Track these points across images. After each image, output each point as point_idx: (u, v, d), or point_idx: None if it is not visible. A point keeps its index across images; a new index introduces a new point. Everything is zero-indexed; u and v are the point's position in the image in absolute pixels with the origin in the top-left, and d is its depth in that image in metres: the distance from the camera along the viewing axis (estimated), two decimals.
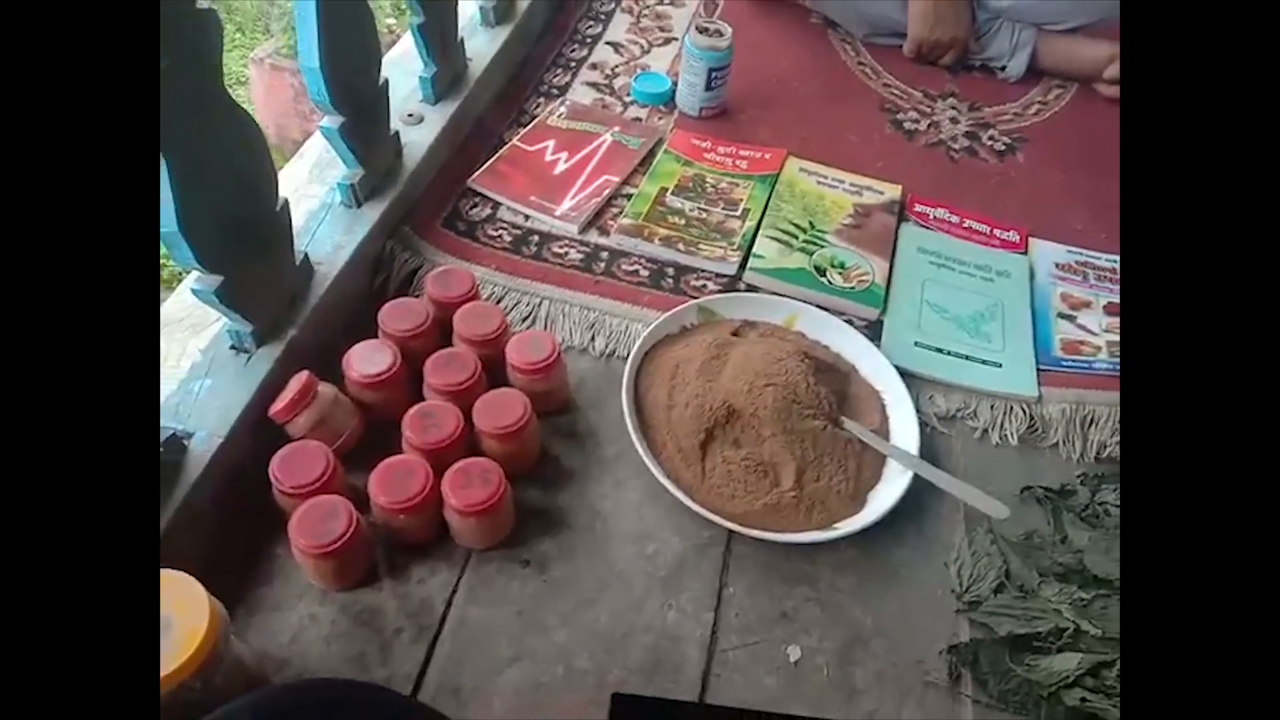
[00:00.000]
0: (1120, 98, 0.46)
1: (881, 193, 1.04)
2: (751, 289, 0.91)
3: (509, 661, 0.63)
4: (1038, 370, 0.86)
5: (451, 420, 0.69)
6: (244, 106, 0.63)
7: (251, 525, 0.68)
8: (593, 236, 0.95)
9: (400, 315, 0.77)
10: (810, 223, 0.98)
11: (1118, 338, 0.90)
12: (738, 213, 0.99)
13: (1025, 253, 1.00)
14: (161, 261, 1.50)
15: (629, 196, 0.99)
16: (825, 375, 0.79)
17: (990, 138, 1.18)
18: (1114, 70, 1.23)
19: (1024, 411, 0.82)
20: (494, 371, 0.76)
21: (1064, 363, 0.87)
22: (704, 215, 0.98)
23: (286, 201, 0.72)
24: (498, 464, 0.67)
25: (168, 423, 0.65)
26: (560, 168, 1.02)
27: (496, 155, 1.02)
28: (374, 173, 0.87)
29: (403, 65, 1.02)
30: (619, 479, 0.74)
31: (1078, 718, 0.61)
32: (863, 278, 0.92)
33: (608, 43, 1.26)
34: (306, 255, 0.78)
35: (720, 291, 0.90)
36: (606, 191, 0.99)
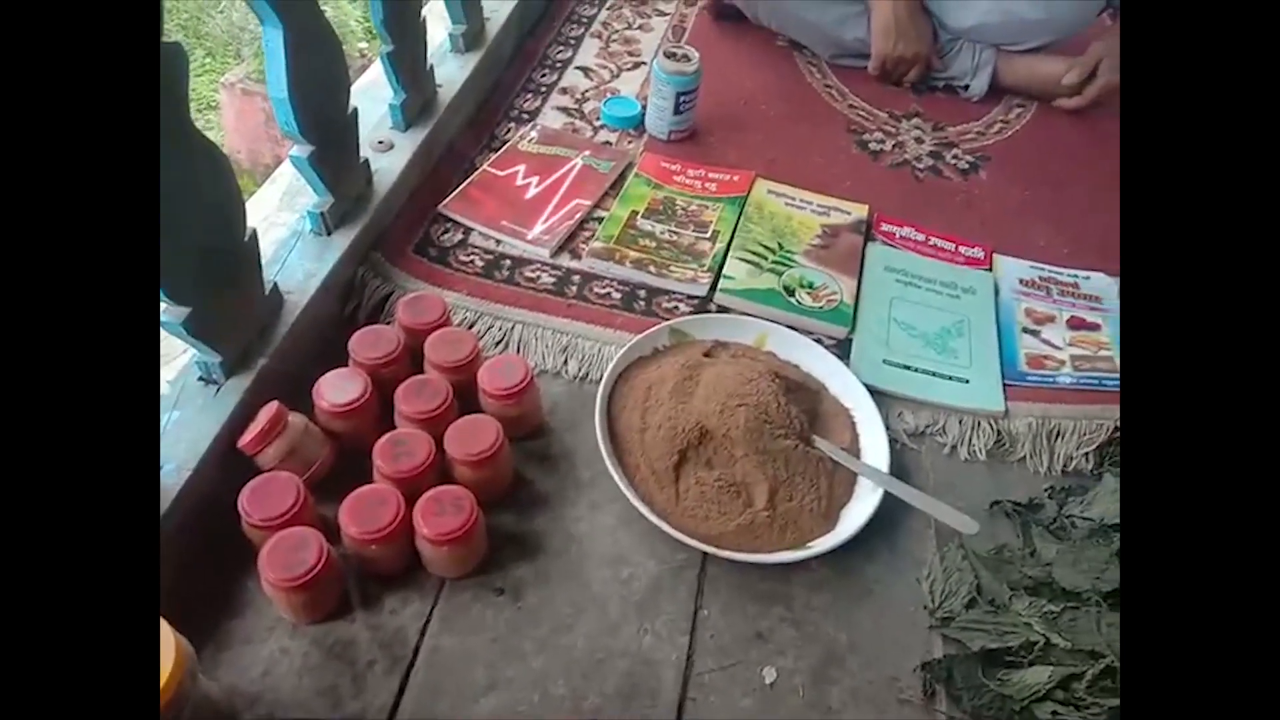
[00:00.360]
0: (1121, 115, 0.48)
1: (848, 213, 1.06)
2: (722, 310, 0.92)
3: (484, 690, 0.63)
4: (1004, 385, 0.87)
5: (423, 448, 0.69)
6: (213, 134, 0.63)
7: (221, 558, 0.67)
8: (565, 260, 0.95)
9: (371, 343, 0.77)
10: (779, 244, 0.99)
11: (1081, 351, 0.91)
12: (708, 235, 1.00)
13: (990, 269, 1.02)
14: None
15: (600, 220, 1.00)
16: (796, 394, 0.80)
17: (954, 156, 1.20)
18: (1071, 76, 1.26)
19: (991, 426, 0.83)
20: (466, 397, 0.76)
21: (1029, 377, 0.88)
22: (675, 238, 0.99)
23: (255, 232, 0.72)
24: (470, 491, 0.67)
25: None
26: (531, 192, 1.02)
27: (468, 180, 1.03)
28: (344, 200, 0.87)
29: (372, 93, 1.02)
30: (593, 502, 0.74)
31: None
32: (831, 297, 0.93)
33: (577, 67, 1.28)
34: (276, 284, 0.77)
35: (692, 313, 0.91)
36: (578, 215, 1.00)
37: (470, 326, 0.87)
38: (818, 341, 0.88)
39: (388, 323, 0.84)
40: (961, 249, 1.03)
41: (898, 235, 1.04)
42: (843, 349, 0.89)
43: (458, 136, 1.10)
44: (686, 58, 1.10)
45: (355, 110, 0.86)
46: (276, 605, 0.64)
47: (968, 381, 0.87)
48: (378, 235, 0.92)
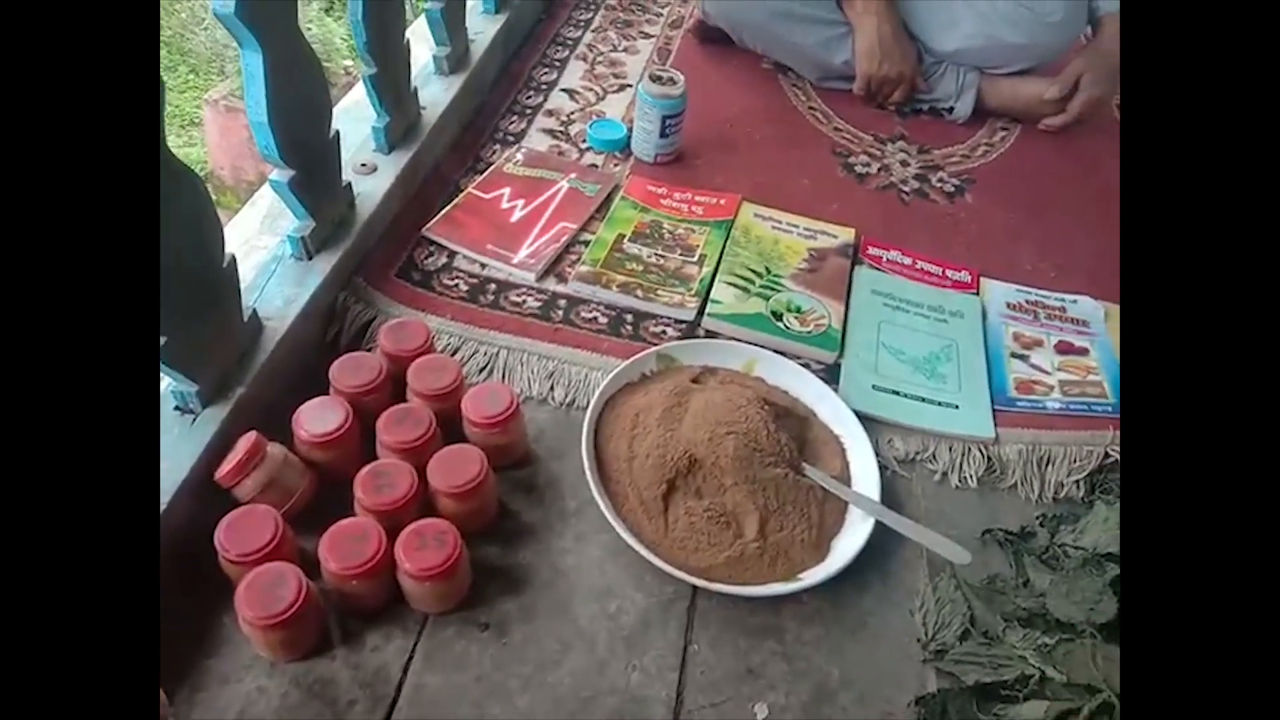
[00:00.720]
0: (1121, 136, 0.48)
1: (835, 236, 1.05)
2: (710, 335, 0.91)
3: None
4: (993, 411, 0.87)
5: (405, 480, 0.67)
6: (196, 150, 0.62)
7: (196, 594, 0.65)
8: (550, 284, 0.94)
9: (352, 370, 0.75)
10: (766, 268, 0.99)
11: (1070, 377, 0.91)
12: (695, 258, 0.99)
13: (977, 293, 1.02)
14: None
15: (586, 243, 0.99)
16: (785, 421, 0.79)
17: (939, 179, 1.20)
18: (1053, 91, 1.27)
19: (982, 453, 0.83)
20: (450, 426, 0.75)
21: (1019, 403, 0.88)
22: (661, 261, 0.98)
23: (234, 258, 0.70)
24: (454, 524, 0.65)
25: None
26: (517, 215, 1.01)
27: (452, 203, 1.01)
28: (325, 224, 0.86)
29: (355, 113, 1.01)
30: (580, 533, 0.73)
31: None
32: (819, 321, 0.93)
33: (563, 89, 1.27)
34: (255, 311, 0.76)
35: (679, 337, 0.90)
36: (564, 238, 0.99)
37: (454, 352, 0.86)
38: (805, 366, 0.87)
39: (369, 349, 0.83)
40: (948, 272, 1.03)
41: (885, 259, 1.04)
42: (831, 374, 0.88)
43: (442, 159, 1.09)
44: (672, 81, 1.10)
45: (337, 133, 0.85)
46: (254, 643, 0.62)
47: (957, 407, 0.86)
48: (360, 259, 0.91)
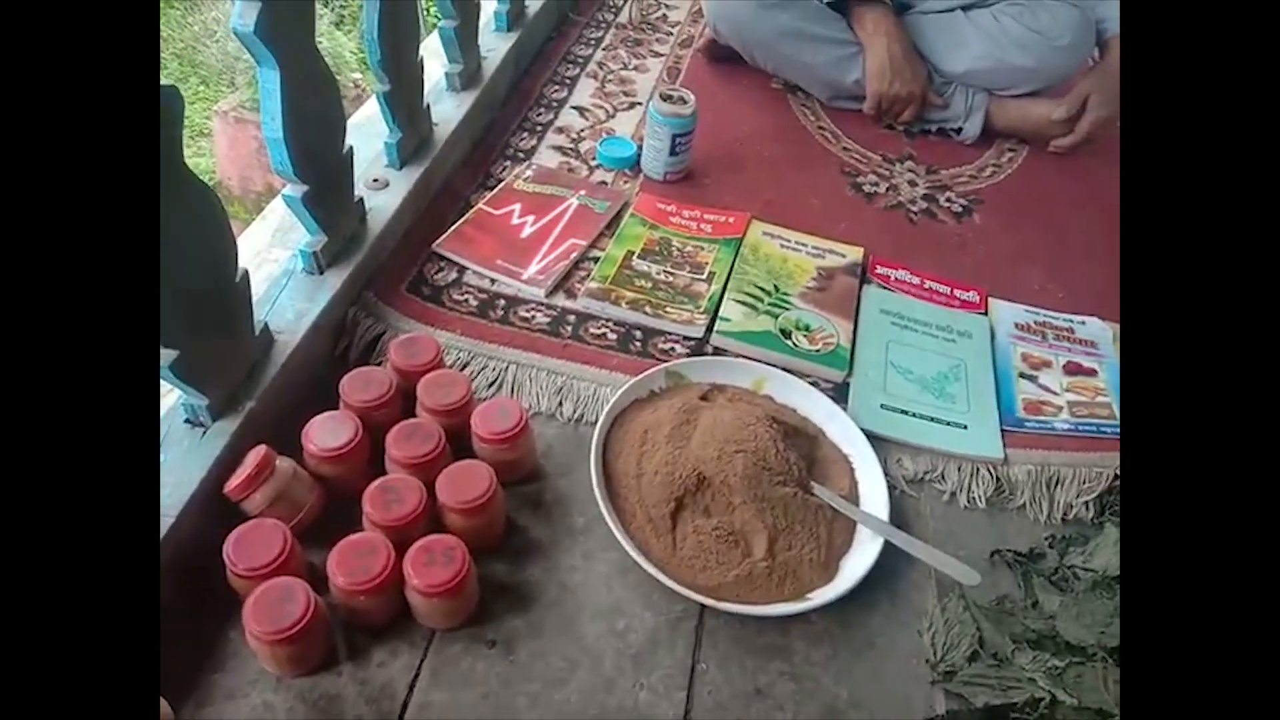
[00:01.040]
0: (1121, 161, 0.49)
1: (844, 255, 1.06)
2: (719, 352, 0.91)
3: None
4: (1002, 431, 0.86)
5: (414, 495, 0.67)
6: (206, 161, 0.62)
7: (203, 608, 0.65)
8: (560, 300, 0.95)
9: (362, 385, 0.75)
10: (775, 286, 0.99)
11: (1078, 398, 0.91)
12: (704, 276, 0.99)
13: (985, 313, 1.02)
14: None
15: (596, 260, 1.00)
16: (794, 440, 0.79)
17: (948, 199, 1.21)
18: (1060, 112, 1.27)
19: (990, 474, 0.83)
20: (459, 441, 0.75)
21: (1028, 423, 0.88)
22: (670, 278, 0.98)
23: (246, 273, 0.71)
24: (462, 540, 0.65)
25: None
26: (527, 231, 1.02)
27: (463, 219, 1.02)
28: (337, 239, 0.86)
29: (367, 129, 1.02)
30: (588, 550, 0.73)
31: None
32: (828, 340, 0.93)
33: (573, 107, 1.28)
34: (266, 325, 0.76)
35: (688, 354, 0.90)
36: (573, 255, 0.99)
37: (463, 367, 0.86)
38: (814, 385, 0.87)
39: (379, 364, 0.83)
40: (957, 292, 1.03)
41: (893, 278, 1.04)
42: (839, 393, 0.88)
43: (453, 175, 1.10)
44: (683, 100, 1.11)
45: (350, 149, 0.85)
46: (260, 658, 0.62)
47: (966, 427, 0.86)
48: (371, 274, 0.91)
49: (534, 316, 0.92)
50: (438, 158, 1.04)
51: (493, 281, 0.96)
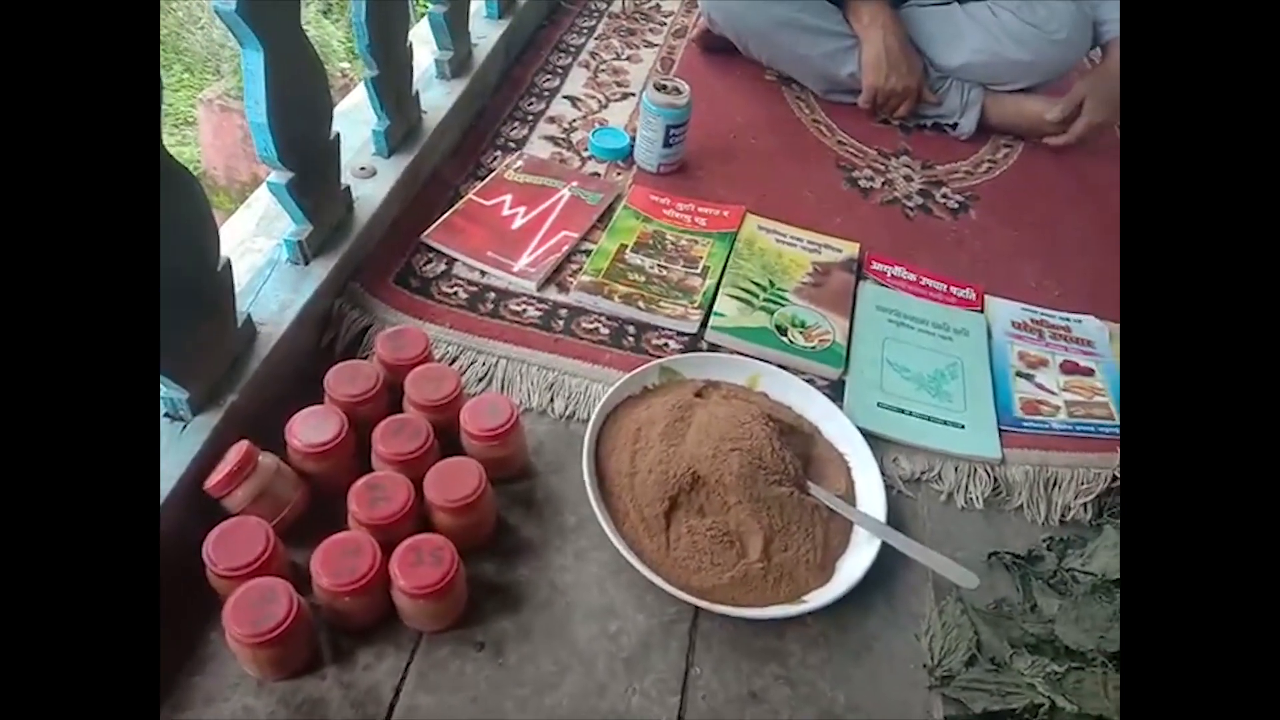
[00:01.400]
0: (1121, 162, 0.48)
1: (839, 250, 1.04)
2: (713, 348, 0.90)
3: None
4: (999, 431, 0.85)
5: (401, 493, 0.65)
6: (190, 149, 0.60)
7: (182, 609, 0.62)
8: (551, 293, 0.93)
9: (348, 379, 0.73)
10: (770, 281, 0.97)
11: (1076, 397, 0.90)
12: (698, 270, 0.97)
13: (982, 310, 1.00)
14: None
15: (588, 253, 0.98)
16: (790, 438, 0.78)
17: (943, 195, 1.19)
18: (1054, 114, 1.26)
19: (988, 474, 0.81)
20: (448, 437, 0.73)
21: (1025, 423, 0.87)
22: (664, 272, 0.96)
23: (229, 262, 0.68)
24: (450, 539, 0.63)
25: None
26: (518, 222, 1.00)
27: (452, 209, 1.00)
28: (323, 228, 0.84)
29: (354, 116, 1.00)
30: (580, 550, 0.71)
31: None
32: (824, 337, 0.91)
33: (565, 96, 1.26)
34: (249, 316, 0.74)
35: (682, 350, 0.89)
36: (565, 247, 0.97)
37: (452, 361, 0.84)
38: (810, 382, 0.85)
39: (366, 357, 0.81)
40: (953, 289, 1.02)
41: (889, 274, 1.03)
42: (835, 390, 0.87)
43: (442, 164, 1.07)
44: (677, 90, 1.09)
45: (337, 136, 0.83)
46: (241, 660, 0.60)
47: (963, 427, 0.85)
48: (358, 265, 0.89)
49: (525, 310, 0.90)
50: (427, 146, 1.02)
51: (483, 274, 0.93)
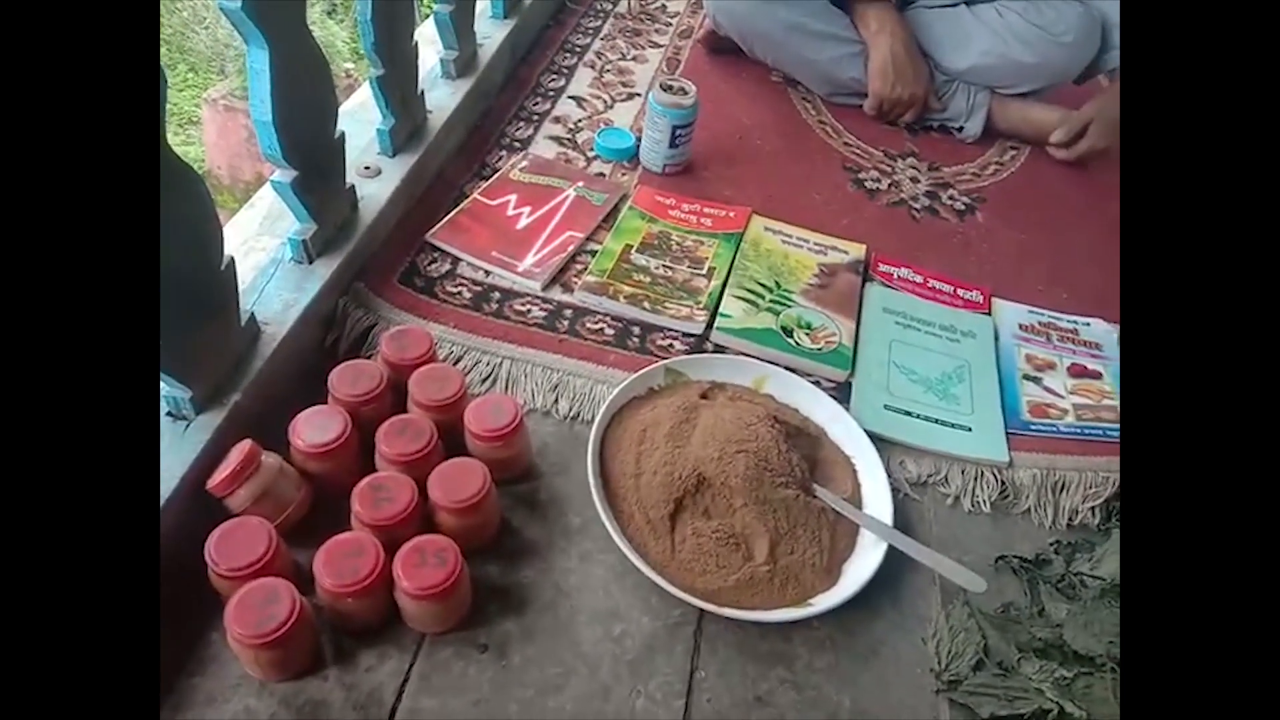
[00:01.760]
0: (1121, 173, 0.48)
1: (846, 252, 1.04)
2: (719, 349, 0.89)
3: None
4: (1007, 434, 0.85)
5: (405, 493, 0.65)
6: (195, 149, 0.60)
7: (184, 609, 0.62)
8: (556, 294, 0.92)
9: (352, 379, 0.73)
10: (776, 282, 0.97)
11: (1084, 400, 0.89)
12: (703, 271, 0.97)
13: (989, 313, 1.00)
14: None
15: (593, 253, 0.97)
16: (796, 440, 0.77)
17: (950, 197, 1.19)
18: (1059, 134, 1.26)
19: (995, 477, 0.81)
20: (451, 437, 0.73)
21: (1032, 426, 0.86)
22: (670, 273, 0.96)
23: (232, 260, 0.68)
24: (454, 540, 0.62)
25: None
26: (523, 222, 0.99)
27: (457, 209, 0.99)
28: (327, 227, 0.83)
29: (360, 115, 1.00)
30: (584, 552, 0.71)
31: None
32: (830, 338, 0.91)
33: (570, 96, 1.25)
34: (253, 315, 0.73)
35: (687, 351, 0.88)
36: (570, 248, 0.97)
37: (456, 361, 0.83)
38: (816, 384, 0.85)
39: (370, 357, 0.81)
40: (960, 291, 1.02)
41: (896, 276, 1.02)
42: (841, 392, 0.86)
43: (447, 164, 1.07)
44: (683, 90, 1.09)
45: (342, 135, 0.83)
46: (243, 661, 0.59)
47: (970, 430, 0.84)
48: (362, 264, 0.89)
49: (530, 310, 0.90)
50: (432, 146, 1.01)
51: (487, 274, 0.93)
